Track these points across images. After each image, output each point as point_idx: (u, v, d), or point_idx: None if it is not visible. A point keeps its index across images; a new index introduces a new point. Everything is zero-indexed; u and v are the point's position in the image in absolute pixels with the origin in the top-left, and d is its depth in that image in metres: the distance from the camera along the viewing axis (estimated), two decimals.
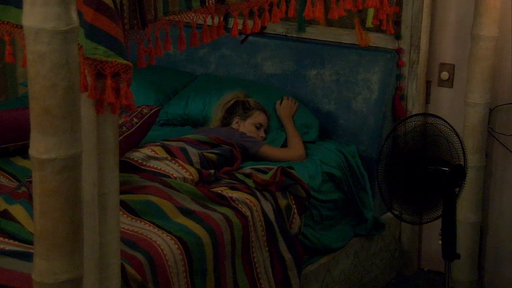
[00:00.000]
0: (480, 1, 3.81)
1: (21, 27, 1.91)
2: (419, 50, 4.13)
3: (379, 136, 4.16)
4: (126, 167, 3.48)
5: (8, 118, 3.79)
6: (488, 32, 3.82)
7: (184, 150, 3.67)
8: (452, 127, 3.66)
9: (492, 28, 3.82)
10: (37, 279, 2.04)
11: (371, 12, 3.99)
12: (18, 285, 2.72)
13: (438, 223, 3.52)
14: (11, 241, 2.92)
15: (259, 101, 4.18)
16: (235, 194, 3.46)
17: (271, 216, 3.49)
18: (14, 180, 3.55)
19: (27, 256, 2.71)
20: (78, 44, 2.00)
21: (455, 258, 3.54)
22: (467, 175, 3.63)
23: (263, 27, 2.98)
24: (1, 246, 2.88)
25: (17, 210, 3.08)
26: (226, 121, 4.14)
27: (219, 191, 3.46)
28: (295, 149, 4.05)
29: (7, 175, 3.59)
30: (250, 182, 3.58)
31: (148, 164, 3.57)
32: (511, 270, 4.06)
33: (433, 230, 4.12)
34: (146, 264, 2.92)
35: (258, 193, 3.52)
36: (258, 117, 4.12)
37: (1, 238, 2.93)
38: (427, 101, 4.21)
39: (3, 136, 3.71)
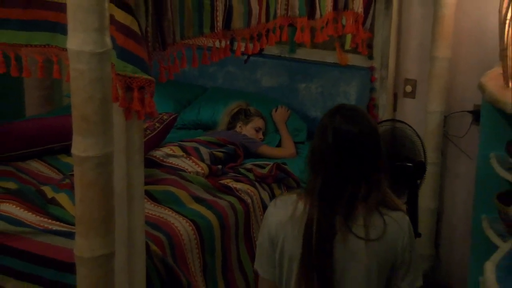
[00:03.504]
0: (437, 28, 3.82)
1: (66, 49, 1.92)
2: (387, 68, 4.12)
3: None
4: (150, 163, 3.48)
5: (55, 123, 3.80)
6: (443, 54, 3.83)
7: (197, 149, 3.68)
8: (415, 130, 3.66)
9: (447, 51, 3.83)
10: (77, 254, 2.05)
11: (349, 37, 3.99)
12: (63, 258, 2.74)
13: None
14: (57, 223, 2.93)
15: (258, 109, 4.18)
16: (238, 185, 3.47)
17: (268, 203, 3.48)
18: (59, 173, 3.56)
19: (70, 235, 2.72)
20: (111, 63, 2.01)
21: (417, 237, 3.54)
22: (427, 169, 3.64)
23: (261, 49, 2.97)
24: (50, 227, 2.90)
25: (62, 198, 3.08)
26: (231, 126, 4.15)
27: (225, 183, 3.47)
28: (288, 148, 4.05)
29: (54, 169, 3.62)
30: (250, 176, 3.59)
31: (167, 161, 3.58)
32: (461, 247, 4.07)
33: None
34: (166, 243, 2.93)
35: (257, 184, 3.53)
36: (258, 122, 4.12)
37: (50, 220, 2.94)
38: (394, 109, 4.21)
39: (51, 138, 3.72)
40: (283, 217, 2.14)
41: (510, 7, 3.10)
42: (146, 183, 2.54)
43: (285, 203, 2.18)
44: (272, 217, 2.18)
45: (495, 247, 2.91)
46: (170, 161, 3.56)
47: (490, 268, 2.33)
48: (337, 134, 2.06)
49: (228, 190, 3.40)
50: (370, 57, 4.15)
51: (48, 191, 3.16)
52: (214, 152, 3.73)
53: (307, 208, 2.06)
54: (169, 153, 3.62)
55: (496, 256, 2.41)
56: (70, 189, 3.05)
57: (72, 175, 2.18)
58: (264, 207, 3.45)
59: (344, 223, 2.03)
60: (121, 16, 2.16)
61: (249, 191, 3.45)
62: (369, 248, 2.03)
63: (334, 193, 2.04)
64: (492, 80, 3.27)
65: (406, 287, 2.10)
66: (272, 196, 3.53)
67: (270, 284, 2.21)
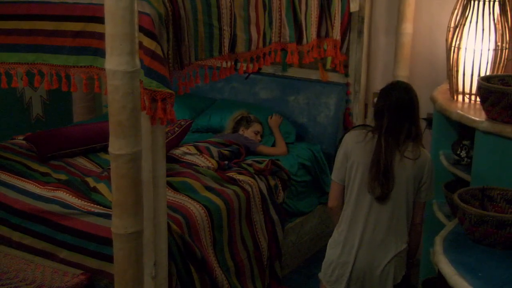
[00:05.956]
0: (398, 53, 3.81)
1: (104, 69, 1.93)
2: (360, 84, 4.13)
3: (335, 139, 4.16)
4: (170, 159, 3.49)
5: (96, 127, 3.81)
6: (403, 72, 3.82)
7: (208, 148, 3.68)
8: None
9: (406, 70, 3.82)
10: (114, 231, 2.06)
11: (329, 59, 4.00)
12: (103, 234, 2.76)
13: None
14: (99, 206, 2.94)
15: (257, 116, 4.18)
16: (241, 177, 3.46)
17: (265, 191, 3.49)
18: (99, 167, 3.56)
19: (108, 216, 2.74)
20: (140, 80, 2.02)
21: None
22: None
23: (259, 68, 2.99)
24: (93, 210, 2.91)
25: (102, 187, 3.09)
26: (235, 129, 4.14)
27: (231, 175, 3.47)
28: (280, 147, 4.05)
29: (95, 164, 3.62)
30: (251, 169, 3.59)
31: (184, 158, 3.58)
32: None
33: None
34: (183, 223, 2.94)
35: (256, 176, 3.52)
36: (256, 126, 4.12)
37: (92, 204, 2.96)
38: (365, 116, 4.21)
39: (93, 139, 3.73)
40: (357, 139, 2.65)
41: (454, 37, 3.13)
42: (167, 175, 2.56)
43: (358, 132, 2.70)
44: (349, 139, 2.69)
45: (442, 225, 2.93)
46: (187, 158, 3.57)
47: (438, 242, 2.34)
48: (398, 98, 2.59)
49: (233, 181, 3.40)
50: (346, 75, 4.15)
51: (91, 181, 3.17)
52: (222, 151, 3.73)
53: (376, 137, 2.60)
54: (186, 151, 3.62)
55: (443, 232, 2.43)
56: (108, 180, 3.08)
57: (109, 168, 2.19)
58: (262, 195, 3.45)
59: (400, 149, 2.59)
60: (148, 42, 2.18)
61: (249, 182, 3.44)
62: (411, 165, 2.58)
63: (395, 131, 2.58)
64: (441, 93, 3.29)
65: (424, 197, 2.65)
66: (268, 186, 3.54)
67: (341, 187, 2.71)
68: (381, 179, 2.55)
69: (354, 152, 2.64)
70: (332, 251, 2.72)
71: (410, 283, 2.79)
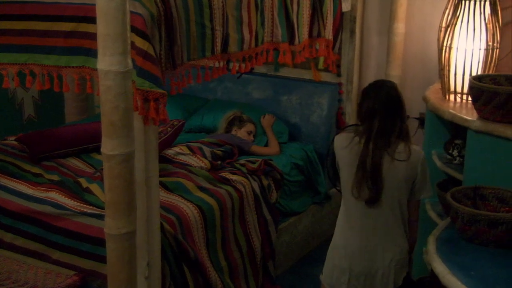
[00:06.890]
0: (390, 52, 3.83)
1: (97, 69, 1.92)
2: (352, 83, 4.14)
3: (328, 139, 4.16)
4: (163, 159, 3.48)
5: (88, 128, 3.79)
6: (395, 72, 3.83)
7: (201, 149, 3.67)
8: None
9: (398, 70, 3.84)
10: (107, 231, 2.05)
11: (321, 58, 4.01)
12: (96, 234, 2.75)
13: None
14: (91, 207, 2.93)
15: (250, 116, 4.18)
16: (234, 177, 3.46)
17: (258, 191, 3.49)
18: (92, 168, 3.55)
19: (101, 217, 2.72)
20: (132, 80, 2.02)
21: None
22: None
23: (252, 68, 2.99)
24: (85, 210, 2.90)
25: (95, 187, 3.08)
26: (228, 129, 4.13)
27: (224, 175, 3.47)
28: (273, 147, 4.04)
29: (88, 165, 3.60)
30: (244, 169, 3.58)
31: (177, 158, 3.58)
32: None
33: None
34: (176, 223, 2.93)
35: (249, 176, 3.52)
36: (249, 126, 4.12)
37: (85, 205, 2.94)
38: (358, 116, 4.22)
39: (86, 139, 3.71)
40: (342, 144, 2.63)
41: (446, 37, 3.14)
42: (160, 175, 2.55)
43: (345, 135, 2.68)
44: (336, 143, 2.68)
45: (435, 224, 2.94)
46: (180, 158, 3.56)
47: (431, 241, 2.35)
48: (388, 96, 2.56)
49: (226, 181, 3.40)
50: (339, 74, 4.16)
51: (84, 182, 3.16)
52: (215, 151, 3.73)
53: (363, 140, 2.54)
54: (178, 151, 3.62)
55: (436, 232, 2.44)
56: (100, 180, 3.07)
57: (102, 169, 2.19)
58: (255, 195, 3.45)
59: (390, 151, 2.54)
60: (140, 42, 2.17)
61: (242, 181, 3.44)
62: (404, 166, 2.54)
63: (387, 132, 2.53)
64: (433, 93, 3.30)
65: (419, 195, 2.62)
66: (261, 186, 3.54)
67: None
68: (368, 182, 2.51)
69: (341, 158, 2.63)
70: (332, 256, 2.72)
71: (412, 281, 2.78)
